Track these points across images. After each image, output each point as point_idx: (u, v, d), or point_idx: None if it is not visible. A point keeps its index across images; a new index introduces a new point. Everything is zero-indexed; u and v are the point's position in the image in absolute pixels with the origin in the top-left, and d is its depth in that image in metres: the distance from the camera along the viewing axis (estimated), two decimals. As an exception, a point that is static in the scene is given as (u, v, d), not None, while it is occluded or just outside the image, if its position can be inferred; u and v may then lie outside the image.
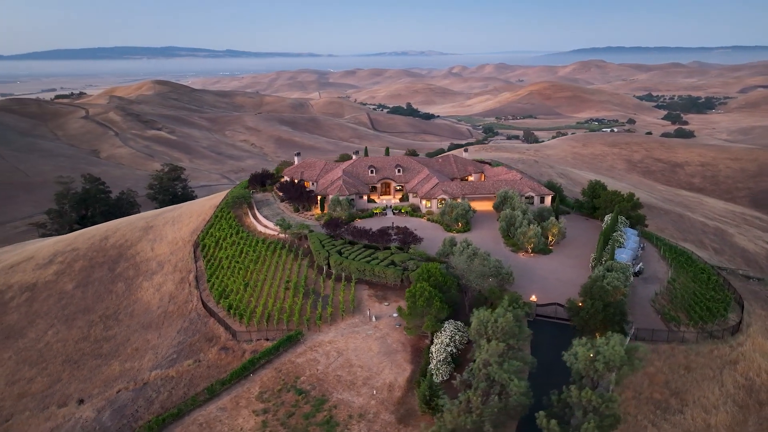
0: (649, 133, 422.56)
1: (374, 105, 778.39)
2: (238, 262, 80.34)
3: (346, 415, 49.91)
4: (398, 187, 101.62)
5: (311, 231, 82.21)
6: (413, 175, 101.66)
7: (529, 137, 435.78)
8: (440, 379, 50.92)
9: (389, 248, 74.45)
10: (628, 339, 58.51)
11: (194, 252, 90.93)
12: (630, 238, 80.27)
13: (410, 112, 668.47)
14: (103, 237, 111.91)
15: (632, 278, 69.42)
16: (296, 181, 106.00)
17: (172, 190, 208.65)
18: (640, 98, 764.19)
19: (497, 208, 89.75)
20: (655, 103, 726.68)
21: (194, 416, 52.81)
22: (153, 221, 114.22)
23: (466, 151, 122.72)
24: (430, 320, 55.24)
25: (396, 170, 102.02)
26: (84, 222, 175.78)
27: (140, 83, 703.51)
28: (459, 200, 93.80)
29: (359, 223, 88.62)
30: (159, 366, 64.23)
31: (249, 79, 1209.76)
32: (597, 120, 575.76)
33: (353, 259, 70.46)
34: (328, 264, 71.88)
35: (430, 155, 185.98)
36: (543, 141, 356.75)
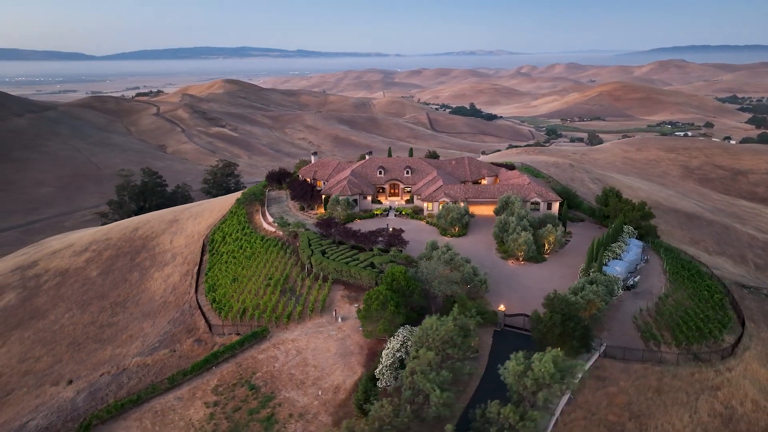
0: (728, 138, 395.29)
1: (437, 105, 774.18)
2: (235, 257, 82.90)
3: (288, 413, 50.57)
4: (407, 189, 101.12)
5: (307, 229, 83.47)
6: (421, 177, 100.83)
7: (594, 140, 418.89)
8: (384, 384, 50.48)
9: (373, 250, 74.37)
10: (596, 356, 55.78)
11: (204, 246, 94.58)
12: (631, 249, 76.09)
13: (472, 112, 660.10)
14: (134, 228, 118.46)
15: (620, 292, 65.87)
16: (309, 180, 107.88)
17: (225, 185, 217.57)
18: (723, 100, 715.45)
19: (498, 213, 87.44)
20: (739, 106, 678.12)
21: (153, 404, 55.18)
22: (180, 215, 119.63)
23: (483, 153, 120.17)
24: (383, 324, 54.90)
25: (404, 171, 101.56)
26: (141, 213, 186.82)
27: (212, 82, 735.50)
28: (461, 204, 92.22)
29: (358, 223, 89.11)
30: (141, 353, 67.52)
31: (317, 79, 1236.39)
32: (670, 123, 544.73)
33: (334, 259, 70.98)
34: (311, 263, 72.79)
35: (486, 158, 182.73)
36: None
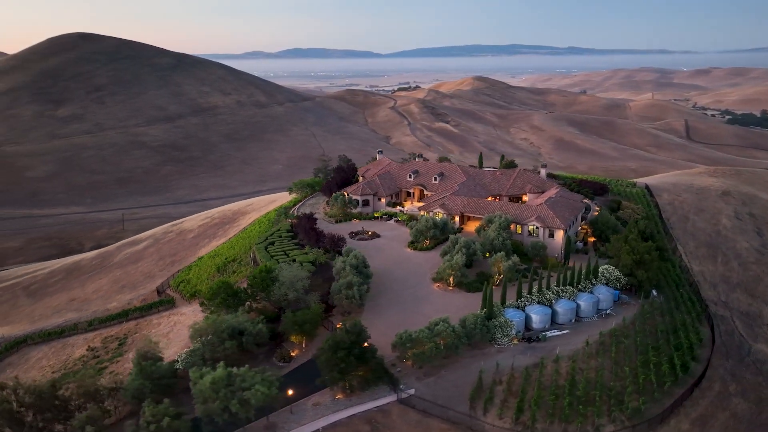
0: None
1: (717, 111, 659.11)
2: (237, 241, 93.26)
3: (113, 370, 58.68)
4: (430, 195, 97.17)
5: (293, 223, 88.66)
6: (447, 185, 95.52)
7: None
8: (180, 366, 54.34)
9: (312, 249, 75.99)
10: (388, 399, 49.64)
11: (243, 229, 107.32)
12: (583, 297, 61.78)
13: (758, 121, 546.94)
14: (239, 207, 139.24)
15: (506, 341, 55.57)
16: (363, 176, 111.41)
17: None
18: None
19: (478, 231, 78.57)
20: None
21: (71, 339, 69.27)
22: (276, 198, 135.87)
23: (544, 167, 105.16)
24: (214, 312, 58.12)
25: (433, 178, 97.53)
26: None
27: (462, 79, 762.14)
28: (456, 218, 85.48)
29: (355, 223, 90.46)
30: (131, 300, 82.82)
31: (580, 77, 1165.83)
32: None
33: (272, 255, 75.11)
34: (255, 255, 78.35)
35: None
36: None
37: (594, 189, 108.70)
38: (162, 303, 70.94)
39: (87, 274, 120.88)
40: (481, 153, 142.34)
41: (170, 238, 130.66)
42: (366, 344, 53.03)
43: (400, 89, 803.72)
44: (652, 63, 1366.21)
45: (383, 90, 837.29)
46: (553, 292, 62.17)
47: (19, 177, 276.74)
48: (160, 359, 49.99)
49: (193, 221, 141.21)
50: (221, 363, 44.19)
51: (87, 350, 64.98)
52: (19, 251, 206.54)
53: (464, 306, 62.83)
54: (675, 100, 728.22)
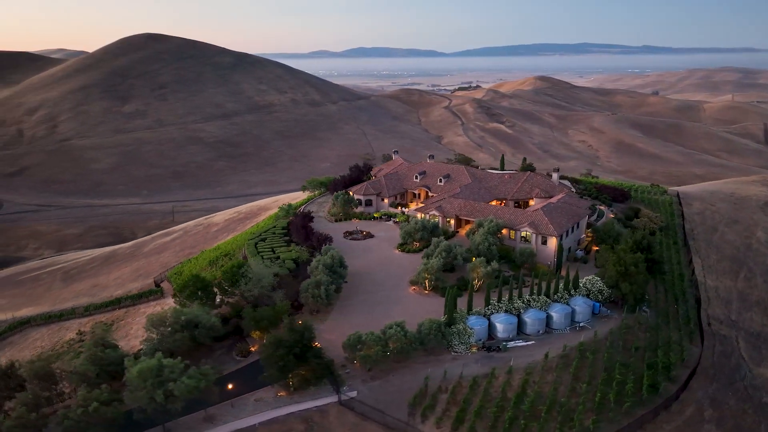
0: None
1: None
2: (241, 237, 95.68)
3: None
4: (433, 196, 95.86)
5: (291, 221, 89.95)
6: (452, 187, 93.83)
7: None
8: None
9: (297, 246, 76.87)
10: (328, 400, 49.58)
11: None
12: (556, 308, 59.22)
13: None
14: (266, 203, 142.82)
15: (463, 349, 54.27)
16: (375, 175, 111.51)
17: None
18: None
19: (468, 236, 76.71)
20: None
21: (69, 322, 73.56)
22: (300, 196, 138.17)
23: (556, 171, 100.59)
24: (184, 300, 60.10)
25: (439, 180, 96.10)
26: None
27: (524, 79, 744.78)
28: (452, 220, 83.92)
29: (354, 223, 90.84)
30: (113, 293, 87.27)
31: (653, 78, 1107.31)
32: None
33: (258, 251, 76.65)
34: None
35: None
36: None
37: (614, 195, 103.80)
38: (151, 293, 74.11)
39: (118, 262, 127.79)
40: (503, 155, 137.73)
41: (197, 231, 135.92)
42: (317, 344, 53.40)
43: (459, 89, 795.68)
44: (736, 62, 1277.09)
45: (444, 89, 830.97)
46: (523, 301, 59.80)
47: (85, 169, 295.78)
48: (115, 347, 52.22)
49: (222, 215, 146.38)
50: (158, 354, 45.62)
51: (77, 334, 68.92)
52: (78, 238, 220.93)
53: (435, 311, 61.50)
54: (758, 102, 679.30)
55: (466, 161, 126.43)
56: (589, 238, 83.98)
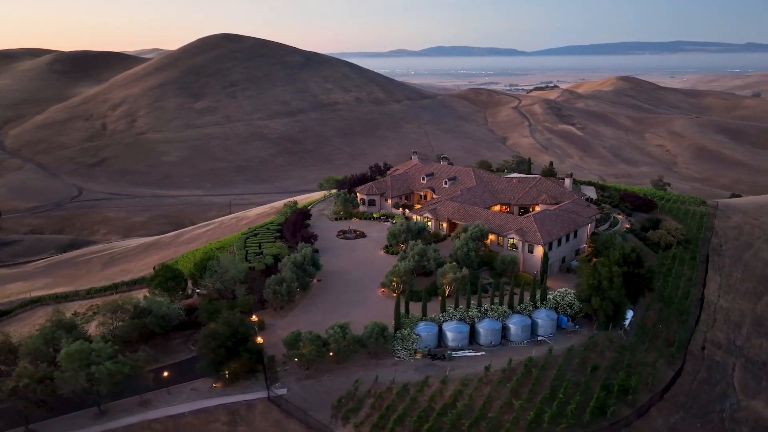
0: None
1: None
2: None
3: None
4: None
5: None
6: (456, 189, 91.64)
7: None
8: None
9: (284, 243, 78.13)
10: (257, 394, 50.16)
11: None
12: (515, 320, 56.62)
13: None
14: (298, 200, 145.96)
15: (406, 354, 53.23)
16: (389, 175, 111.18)
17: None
18: None
19: (454, 240, 74.55)
20: None
21: (57, 306, 78.84)
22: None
23: (570, 176, 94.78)
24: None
25: (444, 182, 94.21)
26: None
27: (604, 79, 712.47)
28: (445, 224, 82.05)
29: (354, 222, 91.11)
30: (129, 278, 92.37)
31: (756, 78, 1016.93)
32: None
33: (245, 246, 78.63)
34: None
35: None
36: None
37: (636, 204, 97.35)
38: (144, 280, 78.03)
39: (156, 250, 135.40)
40: (528, 159, 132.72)
41: (230, 224, 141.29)
42: (259, 339, 54.26)
43: (536, 89, 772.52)
44: None
45: (520, 89, 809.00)
46: (480, 310, 57.44)
47: (157, 161, 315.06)
48: (74, 327, 55.39)
49: (256, 211, 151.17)
50: (97, 338, 48.12)
51: (72, 315, 73.95)
52: (143, 225, 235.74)
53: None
54: None
55: (487, 165, 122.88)
56: (591, 248, 79.28)
